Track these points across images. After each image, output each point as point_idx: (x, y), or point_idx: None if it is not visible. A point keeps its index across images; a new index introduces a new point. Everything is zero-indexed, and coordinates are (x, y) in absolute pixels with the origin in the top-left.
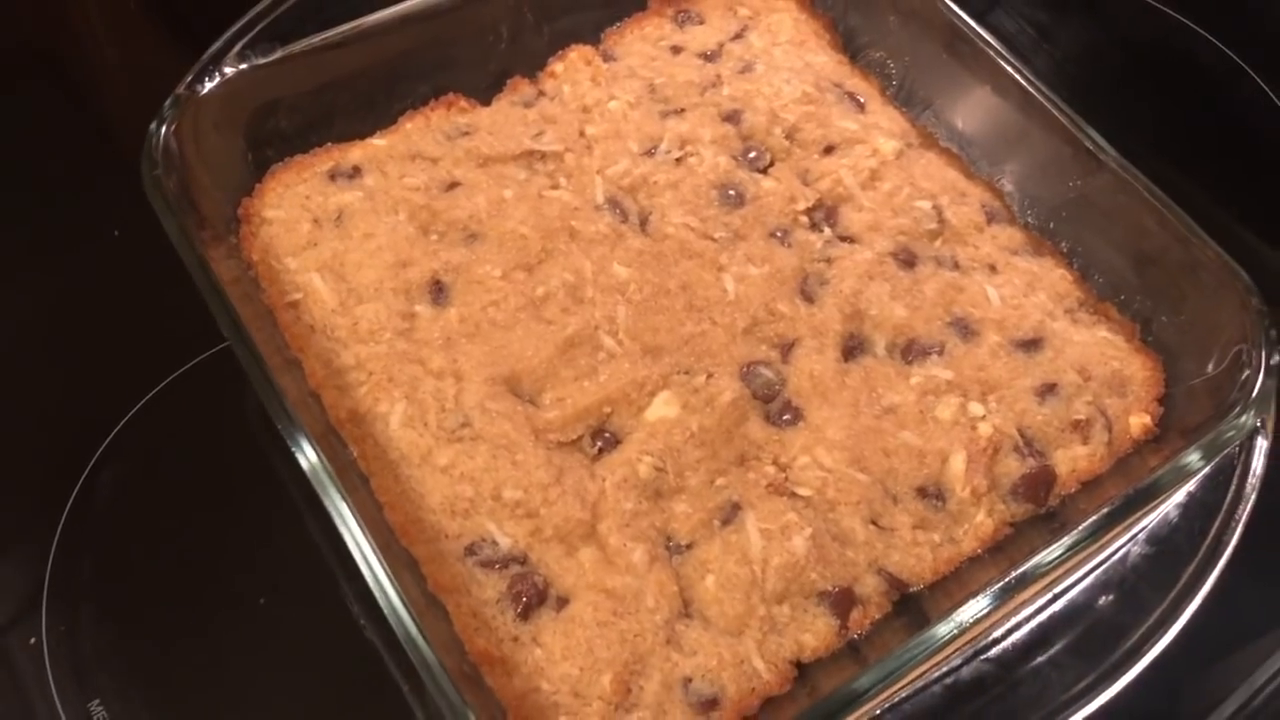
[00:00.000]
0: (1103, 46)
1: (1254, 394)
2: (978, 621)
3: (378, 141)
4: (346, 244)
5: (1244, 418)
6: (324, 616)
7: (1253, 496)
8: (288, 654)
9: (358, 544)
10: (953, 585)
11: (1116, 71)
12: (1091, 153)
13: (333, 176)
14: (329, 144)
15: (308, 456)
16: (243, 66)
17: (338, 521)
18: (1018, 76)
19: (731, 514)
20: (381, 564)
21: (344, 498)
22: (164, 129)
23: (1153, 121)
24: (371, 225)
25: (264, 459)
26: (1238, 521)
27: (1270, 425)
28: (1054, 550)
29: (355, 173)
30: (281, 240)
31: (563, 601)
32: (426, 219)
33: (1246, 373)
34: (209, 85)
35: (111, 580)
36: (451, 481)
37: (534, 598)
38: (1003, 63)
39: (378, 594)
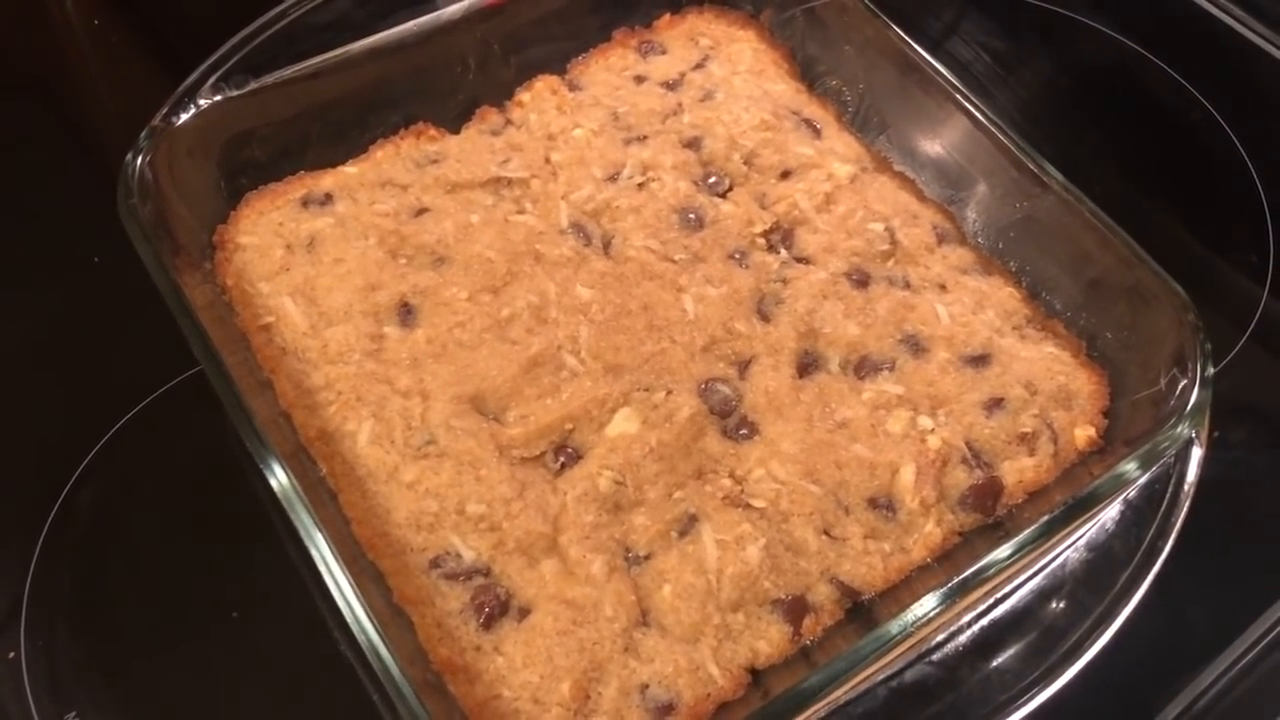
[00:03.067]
0: (1058, 73)
1: (1189, 406)
2: (925, 623)
3: (349, 169)
4: (318, 268)
5: (1179, 429)
6: (299, 630)
7: (1187, 503)
8: (263, 667)
9: (324, 559)
10: (903, 593)
11: (1071, 97)
12: (1037, 176)
13: (305, 203)
14: (302, 172)
15: (276, 476)
16: (217, 98)
17: (305, 537)
18: (967, 104)
19: (688, 525)
20: (347, 577)
21: (311, 515)
22: (139, 160)
23: (1104, 143)
24: (342, 250)
25: (240, 477)
26: (1173, 527)
27: (1204, 435)
28: (999, 554)
29: (327, 200)
30: (255, 265)
31: (524, 612)
32: (395, 244)
33: (1183, 384)
34: (184, 117)
35: (89, 596)
36: (417, 497)
37: (496, 608)
38: (953, 90)
39: (343, 606)
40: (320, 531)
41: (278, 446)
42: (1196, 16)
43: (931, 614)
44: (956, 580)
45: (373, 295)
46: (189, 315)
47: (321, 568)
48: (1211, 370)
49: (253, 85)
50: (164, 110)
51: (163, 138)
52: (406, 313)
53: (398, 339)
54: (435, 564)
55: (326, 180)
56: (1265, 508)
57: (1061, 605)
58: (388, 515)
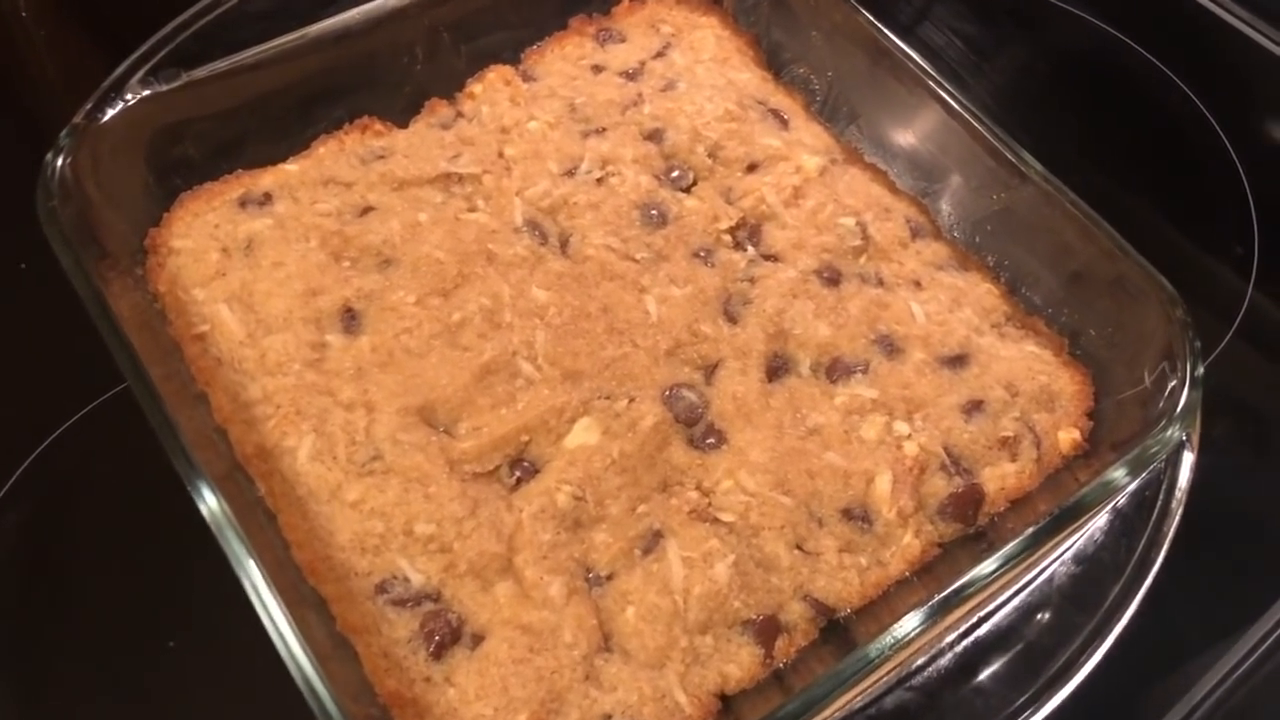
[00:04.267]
0: (1034, 60)
1: (1179, 407)
2: (905, 644)
3: (289, 167)
4: (256, 273)
5: (1169, 431)
6: (244, 657)
7: (1179, 510)
8: (204, 699)
9: (256, 589)
10: (881, 609)
11: (1048, 85)
12: (1015, 166)
13: (243, 204)
14: (239, 170)
15: (205, 499)
16: (146, 93)
17: (236, 566)
18: (940, 91)
19: (653, 542)
20: (281, 609)
21: (243, 541)
22: (59, 160)
23: (1082, 132)
24: (281, 253)
25: (181, 497)
26: (1165, 536)
27: (1195, 437)
28: (982, 569)
29: (266, 199)
30: (189, 271)
31: (477, 639)
32: (338, 245)
33: (1172, 384)
34: (110, 113)
35: (13, 632)
36: (361, 517)
37: (447, 636)
38: (925, 77)
39: (276, 640)
40: (252, 558)
41: (211, 465)
42: (1177, 0)
43: (912, 634)
44: (938, 597)
45: (314, 301)
46: (112, 325)
47: (254, 598)
48: (1201, 369)
49: (185, 78)
50: (87, 106)
51: (85, 136)
52: (350, 319)
53: (341, 347)
54: (381, 589)
55: (266, 179)
56: (1255, 511)
57: (1048, 622)
58: (330, 537)
